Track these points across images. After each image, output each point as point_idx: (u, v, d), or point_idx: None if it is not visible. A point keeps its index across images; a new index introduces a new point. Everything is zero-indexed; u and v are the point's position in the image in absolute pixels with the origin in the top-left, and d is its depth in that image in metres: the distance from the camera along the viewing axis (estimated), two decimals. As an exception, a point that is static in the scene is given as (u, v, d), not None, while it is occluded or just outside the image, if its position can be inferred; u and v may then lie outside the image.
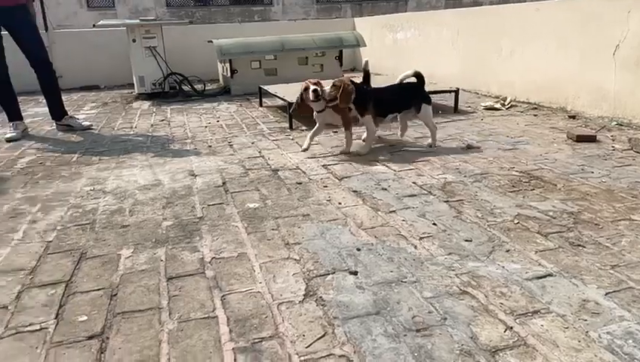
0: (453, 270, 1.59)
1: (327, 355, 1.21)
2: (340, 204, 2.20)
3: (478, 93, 5.01)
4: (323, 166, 2.77)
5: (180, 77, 5.66)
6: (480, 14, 5.11)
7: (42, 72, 3.86)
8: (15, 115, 3.90)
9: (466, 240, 1.80)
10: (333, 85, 2.78)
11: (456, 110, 4.16)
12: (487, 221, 1.96)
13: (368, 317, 1.36)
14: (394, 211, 2.09)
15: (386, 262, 1.65)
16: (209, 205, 2.26)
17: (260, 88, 4.79)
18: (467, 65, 5.19)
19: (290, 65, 5.82)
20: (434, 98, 4.78)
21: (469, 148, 3.02)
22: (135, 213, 2.20)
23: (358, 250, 1.75)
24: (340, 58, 6.11)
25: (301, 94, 2.90)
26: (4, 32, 3.69)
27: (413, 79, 3.04)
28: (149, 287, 1.56)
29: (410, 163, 2.76)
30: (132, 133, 3.91)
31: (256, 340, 1.28)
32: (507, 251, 1.71)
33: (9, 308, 1.48)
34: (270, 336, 1.29)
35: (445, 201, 2.18)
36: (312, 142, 3.07)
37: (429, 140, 3.11)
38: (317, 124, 3.05)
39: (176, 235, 1.95)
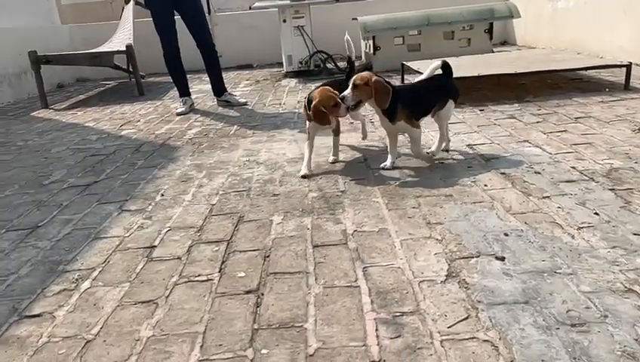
0: (617, 265, 1.44)
1: (471, 338, 1.19)
2: (485, 186, 2.10)
3: (656, 68, 4.32)
4: (468, 145, 2.66)
5: (325, 55, 5.83)
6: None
7: (207, 53, 4.29)
8: (184, 92, 4.41)
9: (635, 234, 1.60)
10: (355, 86, 2.20)
11: (627, 87, 3.66)
12: (663, 214, 1.72)
13: (516, 305, 1.29)
14: (548, 197, 1.94)
15: (538, 251, 1.55)
16: (351, 180, 2.32)
17: (403, 65, 4.72)
18: (644, 35, 4.50)
19: (434, 40, 5.63)
20: (600, 73, 4.28)
21: (643, 130, 2.65)
22: (284, 183, 2.36)
23: (506, 235, 1.67)
24: (489, 31, 5.73)
25: (315, 107, 2.30)
26: (177, 17, 4.16)
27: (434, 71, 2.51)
28: (297, 252, 1.68)
29: (568, 145, 2.52)
30: (281, 109, 4.16)
31: (397, 314, 1.30)
32: (688, 250, 1.49)
33: (182, 259, 1.71)
34: (411, 312, 1.31)
35: (610, 189, 1.96)
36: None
37: (432, 148, 2.53)
38: (309, 139, 2.51)
39: (321, 206, 2.05)
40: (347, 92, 2.22)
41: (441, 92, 2.45)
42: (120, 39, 5.92)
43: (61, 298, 1.53)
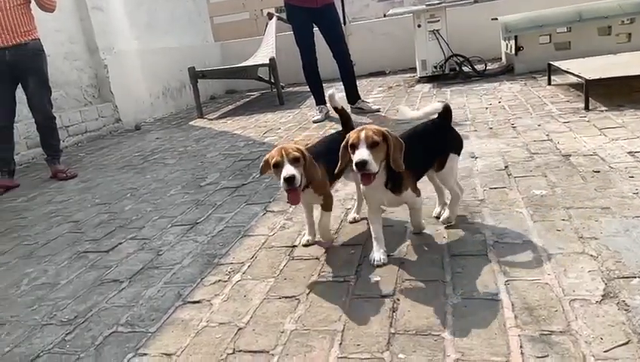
0: None
1: (633, 367, 1.07)
2: (652, 198, 1.86)
3: None
4: (629, 153, 2.38)
5: (461, 58, 5.64)
6: None
7: (343, 63, 4.44)
8: (320, 100, 4.61)
9: None
10: (375, 144, 1.50)
11: None
12: None
13: (691, 335, 1.13)
14: None
15: None
16: (490, 188, 2.22)
17: (550, 65, 4.38)
18: None
19: (587, 37, 5.11)
20: None
21: None
22: (419, 190, 2.34)
23: (678, 255, 1.46)
24: (656, 23, 5.04)
25: (266, 164, 1.69)
26: (315, 29, 4.38)
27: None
28: (433, 261, 1.66)
29: None
30: (414, 114, 4.13)
31: (545, 332, 1.22)
32: None
33: (320, 259, 1.80)
34: (561, 331, 1.21)
35: None
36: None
37: (445, 213, 1.93)
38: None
39: (458, 215, 1.99)
40: (365, 154, 1.48)
41: (441, 144, 1.83)
42: (263, 53, 6.40)
43: (217, 287, 1.71)
